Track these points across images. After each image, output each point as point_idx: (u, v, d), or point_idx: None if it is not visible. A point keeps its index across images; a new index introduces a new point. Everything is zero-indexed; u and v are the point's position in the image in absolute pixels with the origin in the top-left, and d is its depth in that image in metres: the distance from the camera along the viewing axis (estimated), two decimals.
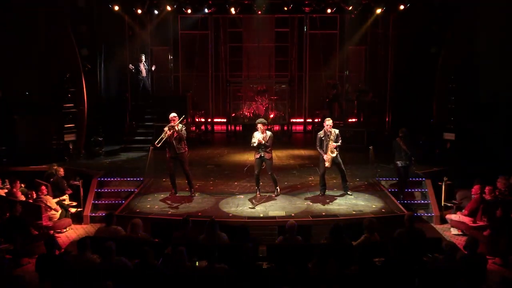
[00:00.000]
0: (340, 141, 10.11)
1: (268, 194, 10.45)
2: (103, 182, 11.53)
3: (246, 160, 13.29)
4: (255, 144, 9.98)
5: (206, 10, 15.78)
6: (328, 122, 10.06)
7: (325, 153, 10.04)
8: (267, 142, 9.98)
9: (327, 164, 10.05)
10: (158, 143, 10.23)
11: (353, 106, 17.04)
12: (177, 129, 10.07)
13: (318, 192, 10.53)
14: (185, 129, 10.33)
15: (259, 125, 9.99)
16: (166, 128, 10.18)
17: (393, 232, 7.82)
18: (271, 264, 6.90)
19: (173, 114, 10.23)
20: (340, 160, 10.26)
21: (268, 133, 10.12)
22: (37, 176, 11.17)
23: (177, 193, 10.56)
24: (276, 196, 10.39)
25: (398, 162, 10.65)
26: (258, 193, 10.41)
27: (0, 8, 13.06)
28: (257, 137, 9.96)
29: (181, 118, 10.32)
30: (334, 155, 10.02)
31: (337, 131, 10.12)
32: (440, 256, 6.83)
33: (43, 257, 7.06)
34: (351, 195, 10.45)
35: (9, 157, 12.84)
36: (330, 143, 9.95)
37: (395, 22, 15.67)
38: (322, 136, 10.12)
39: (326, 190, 10.53)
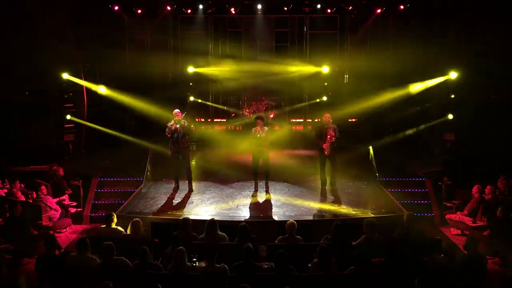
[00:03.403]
0: (338, 135, 10.30)
1: (266, 194, 10.46)
2: (103, 182, 11.54)
3: (246, 160, 13.28)
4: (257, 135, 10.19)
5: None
6: (327, 114, 10.40)
7: (324, 142, 10.14)
8: (265, 135, 10.24)
9: (326, 152, 10.23)
10: (169, 133, 10.33)
11: None
12: (182, 123, 10.25)
13: (318, 192, 10.59)
14: (188, 124, 10.43)
15: (258, 120, 10.28)
16: (169, 124, 10.32)
17: (393, 232, 7.82)
18: (271, 264, 6.90)
19: (176, 110, 10.40)
20: (336, 158, 10.49)
21: (265, 128, 10.36)
22: (37, 176, 11.18)
23: (179, 188, 10.64)
24: (266, 190, 10.57)
25: None
26: (255, 189, 10.47)
27: (0, 8, 13.05)
28: (257, 130, 10.22)
29: (184, 112, 10.49)
30: (331, 141, 10.20)
31: (335, 125, 10.40)
32: (440, 256, 6.82)
33: (43, 257, 7.05)
34: (334, 186, 10.66)
35: (9, 157, 12.83)
36: (329, 131, 10.18)
37: (395, 22, 15.64)
38: (321, 127, 10.36)
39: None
